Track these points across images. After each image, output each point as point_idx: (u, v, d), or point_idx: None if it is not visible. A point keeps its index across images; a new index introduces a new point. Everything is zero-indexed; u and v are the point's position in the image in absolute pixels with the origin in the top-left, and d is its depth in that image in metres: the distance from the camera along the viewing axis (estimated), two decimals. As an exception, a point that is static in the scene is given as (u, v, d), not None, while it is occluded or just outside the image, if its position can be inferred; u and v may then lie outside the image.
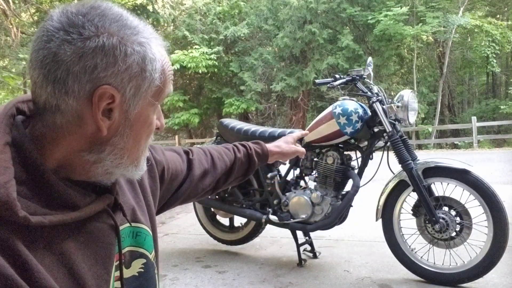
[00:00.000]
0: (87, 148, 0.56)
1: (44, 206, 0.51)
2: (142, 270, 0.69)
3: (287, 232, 2.61)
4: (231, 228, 2.93)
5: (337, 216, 2.28)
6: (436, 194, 2.16)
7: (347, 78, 2.35)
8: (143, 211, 0.73)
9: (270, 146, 1.05)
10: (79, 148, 0.55)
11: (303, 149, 1.08)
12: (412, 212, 2.21)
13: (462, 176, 2.06)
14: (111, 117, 0.55)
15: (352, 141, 2.36)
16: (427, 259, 2.17)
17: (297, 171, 2.57)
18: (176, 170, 0.86)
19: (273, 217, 2.47)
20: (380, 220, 2.27)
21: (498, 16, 16.84)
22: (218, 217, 2.97)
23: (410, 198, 2.23)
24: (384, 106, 2.22)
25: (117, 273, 0.63)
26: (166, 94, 0.61)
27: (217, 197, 2.81)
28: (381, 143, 2.34)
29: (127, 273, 0.66)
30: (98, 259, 0.58)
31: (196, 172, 0.90)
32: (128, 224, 0.67)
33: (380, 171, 2.27)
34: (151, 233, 0.72)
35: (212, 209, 2.93)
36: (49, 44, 0.52)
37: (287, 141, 1.09)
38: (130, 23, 0.56)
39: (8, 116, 0.55)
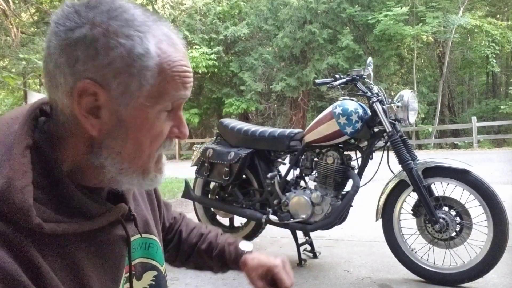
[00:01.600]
0: (89, 150, 0.53)
1: (59, 213, 0.51)
2: (153, 282, 0.67)
3: (287, 232, 2.61)
4: (231, 228, 2.93)
5: (337, 216, 2.28)
6: (436, 194, 2.16)
7: (347, 78, 2.35)
8: (156, 223, 0.72)
9: (250, 260, 0.86)
10: (83, 150, 0.53)
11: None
12: (412, 212, 2.21)
13: (462, 176, 2.06)
14: (99, 116, 0.51)
15: (352, 141, 2.35)
16: (427, 259, 2.17)
17: (297, 171, 2.57)
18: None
19: (273, 217, 2.47)
20: (380, 220, 2.27)
21: (498, 16, 16.84)
22: (218, 217, 2.97)
23: (410, 198, 2.23)
24: (384, 106, 2.22)
25: (127, 285, 0.62)
26: (173, 97, 0.53)
27: (217, 197, 2.81)
28: (381, 143, 2.34)
29: (138, 285, 0.64)
30: (107, 270, 0.57)
31: (174, 236, 0.85)
32: (139, 235, 0.65)
33: (380, 171, 2.26)
34: (160, 245, 0.71)
35: (212, 209, 2.93)
36: (47, 38, 0.52)
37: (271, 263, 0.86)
38: (124, 16, 0.50)
39: (31, 117, 0.54)
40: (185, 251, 0.84)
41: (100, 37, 0.49)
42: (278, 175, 2.60)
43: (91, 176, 0.55)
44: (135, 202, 0.66)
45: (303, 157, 2.49)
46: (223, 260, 0.83)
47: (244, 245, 0.84)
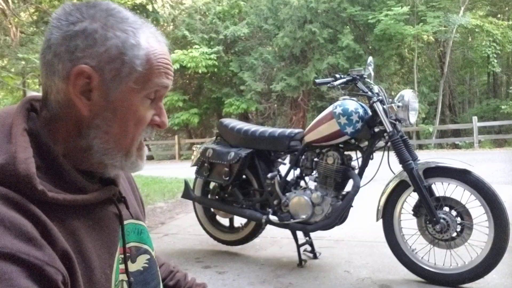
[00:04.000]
0: (77, 132, 0.59)
1: (57, 187, 0.56)
2: (146, 265, 0.72)
3: (287, 232, 2.60)
4: (231, 228, 2.92)
5: (338, 217, 2.27)
6: (437, 194, 2.15)
7: (347, 78, 2.34)
8: (141, 211, 0.77)
9: None
10: (73, 133, 0.59)
11: None
12: (412, 213, 2.20)
13: (463, 176, 2.05)
14: (90, 98, 0.58)
15: (353, 141, 2.35)
16: (428, 260, 2.16)
17: (297, 171, 2.56)
18: None
19: (273, 218, 2.46)
20: (380, 221, 2.26)
21: (499, 15, 16.82)
22: (218, 217, 2.96)
23: (410, 198, 2.22)
24: (384, 106, 2.21)
25: (122, 266, 0.65)
26: (156, 85, 0.61)
27: (217, 197, 2.80)
28: (381, 143, 2.33)
29: (133, 267, 0.69)
30: (103, 243, 0.61)
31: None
32: (131, 220, 0.70)
33: (381, 171, 2.26)
34: (149, 233, 0.76)
35: (212, 210, 2.92)
36: (47, 33, 0.58)
37: None
38: (119, 15, 0.59)
39: (24, 108, 0.60)
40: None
41: (99, 29, 0.57)
42: (278, 175, 2.59)
43: (81, 160, 0.61)
44: (124, 192, 0.71)
45: (303, 157, 2.49)
46: None
47: None
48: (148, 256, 0.72)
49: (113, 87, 0.58)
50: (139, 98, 0.60)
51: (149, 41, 0.60)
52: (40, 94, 0.64)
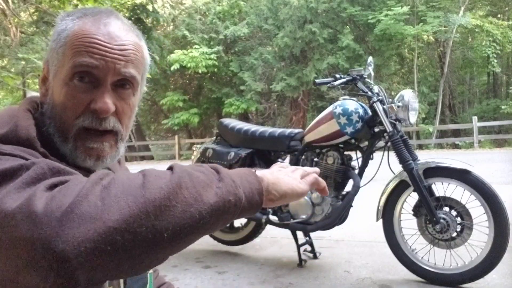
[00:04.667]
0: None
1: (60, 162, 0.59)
2: None
3: (287, 232, 2.60)
4: (231, 228, 2.92)
5: (338, 217, 2.27)
6: (437, 194, 2.15)
7: (347, 78, 2.34)
8: None
9: None
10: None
11: None
12: (412, 213, 2.20)
13: (463, 176, 2.05)
14: (46, 88, 0.66)
15: (353, 141, 2.34)
16: (428, 260, 2.16)
17: (297, 171, 2.56)
18: None
19: (273, 218, 2.46)
20: (380, 221, 2.26)
21: (499, 15, 16.82)
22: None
23: (410, 198, 2.22)
24: (384, 106, 2.21)
25: None
26: (75, 64, 0.61)
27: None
28: (381, 143, 2.33)
29: None
30: None
31: None
32: None
33: (381, 171, 2.26)
34: None
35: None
36: None
37: None
38: (81, 10, 0.66)
39: (26, 108, 0.64)
40: None
41: (56, 24, 0.65)
42: (278, 175, 2.59)
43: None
44: None
45: (303, 157, 2.48)
46: None
47: None
48: None
49: (52, 73, 0.64)
50: (62, 80, 0.62)
51: (82, 25, 0.62)
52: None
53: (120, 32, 0.63)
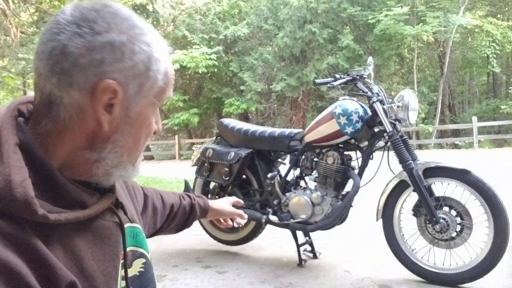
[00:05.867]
0: (88, 145, 0.56)
1: (57, 205, 0.52)
2: (142, 269, 0.70)
3: (287, 232, 2.60)
4: (231, 228, 2.91)
5: (338, 216, 2.28)
6: (437, 194, 2.15)
7: (347, 78, 2.34)
8: (136, 211, 0.76)
9: (212, 203, 1.07)
10: (81, 146, 0.56)
11: (240, 212, 1.12)
12: (412, 212, 2.21)
13: (463, 176, 2.05)
14: (111, 113, 0.55)
15: (353, 141, 2.35)
16: (428, 260, 2.17)
17: (297, 171, 2.56)
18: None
19: (273, 217, 2.47)
20: (380, 220, 2.27)
21: (498, 16, 16.82)
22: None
23: (410, 198, 2.23)
24: (384, 106, 2.22)
25: (122, 272, 0.64)
26: (167, 96, 0.62)
27: (217, 197, 2.80)
28: (381, 143, 2.33)
29: (129, 272, 0.66)
30: (106, 257, 0.59)
31: (149, 209, 0.90)
32: (129, 224, 0.68)
33: (381, 171, 2.26)
34: (144, 232, 0.74)
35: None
36: (59, 36, 0.52)
37: (228, 202, 1.13)
38: (139, 24, 0.57)
39: (13, 117, 0.55)
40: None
41: (126, 42, 0.54)
42: (278, 175, 2.60)
43: (82, 171, 0.58)
44: (118, 194, 0.69)
45: (303, 157, 2.49)
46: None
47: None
48: (144, 260, 0.71)
49: (134, 102, 0.57)
50: (152, 110, 0.61)
51: (164, 53, 0.60)
52: (28, 96, 0.60)
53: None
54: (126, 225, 0.66)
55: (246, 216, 1.11)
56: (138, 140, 0.60)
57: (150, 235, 0.91)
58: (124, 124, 0.57)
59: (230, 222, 1.13)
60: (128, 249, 0.67)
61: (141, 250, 0.70)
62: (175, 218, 0.97)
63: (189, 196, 1.02)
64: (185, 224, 1.02)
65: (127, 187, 0.78)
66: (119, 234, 0.63)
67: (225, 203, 1.10)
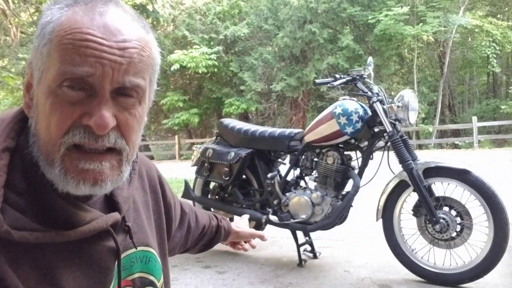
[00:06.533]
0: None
1: (36, 221, 0.47)
2: None
3: (287, 232, 2.60)
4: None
5: (337, 216, 2.28)
6: (437, 194, 2.15)
7: (347, 78, 2.34)
8: (153, 235, 0.68)
9: (234, 226, 1.01)
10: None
11: (261, 233, 1.05)
12: (412, 212, 2.21)
13: (463, 176, 2.05)
14: (31, 98, 0.51)
15: (353, 141, 2.35)
16: (428, 259, 2.17)
17: (297, 171, 2.56)
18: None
19: (273, 217, 2.47)
20: (380, 220, 2.27)
21: (498, 16, 16.83)
22: (218, 217, 2.96)
23: (410, 198, 2.23)
24: (384, 106, 2.22)
25: None
26: (61, 70, 0.47)
27: (217, 197, 2.80)
28: (381, 143, 2.33)
29: None
30: (89, 283, 0.53)
31: (185, 227, 0.85)
32: (142, 248, 0.62)
33: (381, 171, 2.26)
34: (159, 259, 0.67)
35: (212, 209, 2.92)
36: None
37: (245, 224, 1.06)
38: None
39: (16, 120, 0.51)
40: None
41: (40, 17, 0.50)
42: (278, 175, 2.60)
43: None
44: (136, 213, 0.62)
45: (303, 157, 2.49)
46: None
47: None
48: None
49: (36, 79, 0.49)
50: (48, 87, 0.47)
51: (71, 15, 0.47)
52: None
53: (121, 24, 0.48)
54: (131, 250, 0.60)
55: (267, 237, 1.05)
56: (46, 129, 0.48)
57: (176, 254, 0.86)
58: (34, 108, 0.50)
59: (246, 246, 1.05)
60: (137, 275, 0.61)
61: (151, 277, 0.63)
62: (203, 239, 0.93)
63: (216, 218, 0.97)
64: (209, 245, 0.96)
65: (157, 203, 0.71)
66: (113, 261, 0.55)
67: (245, 225, 1.05)
